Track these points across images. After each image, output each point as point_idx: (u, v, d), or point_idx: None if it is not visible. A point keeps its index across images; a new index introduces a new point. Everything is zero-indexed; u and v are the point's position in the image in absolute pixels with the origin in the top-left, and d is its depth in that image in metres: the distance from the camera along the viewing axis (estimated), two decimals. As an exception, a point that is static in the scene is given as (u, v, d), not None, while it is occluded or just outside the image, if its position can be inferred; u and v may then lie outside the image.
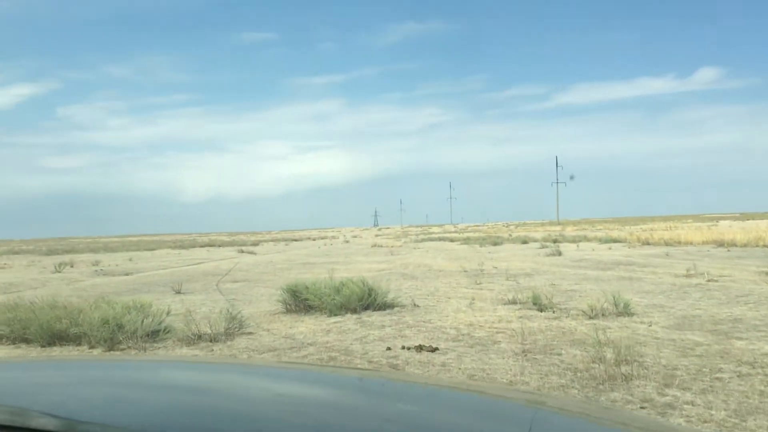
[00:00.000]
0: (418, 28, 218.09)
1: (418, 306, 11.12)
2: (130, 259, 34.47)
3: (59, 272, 23.92)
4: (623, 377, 5.98)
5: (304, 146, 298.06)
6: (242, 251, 42.70)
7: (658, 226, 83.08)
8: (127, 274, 23.65)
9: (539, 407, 1.71)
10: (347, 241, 63.57)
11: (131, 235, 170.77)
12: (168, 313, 9.65)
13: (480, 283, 15.37)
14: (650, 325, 9.10)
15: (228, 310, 9.22)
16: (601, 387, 5.78)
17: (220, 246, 57.88)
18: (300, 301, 10.99)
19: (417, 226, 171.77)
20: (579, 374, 6.32)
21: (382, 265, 24.48)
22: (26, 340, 8.56)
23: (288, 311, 11.10)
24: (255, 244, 60.76)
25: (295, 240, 75.94)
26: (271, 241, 75.42)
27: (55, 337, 8.41)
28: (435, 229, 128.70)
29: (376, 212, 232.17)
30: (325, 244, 57.90)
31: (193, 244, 61.98)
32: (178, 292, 15.11)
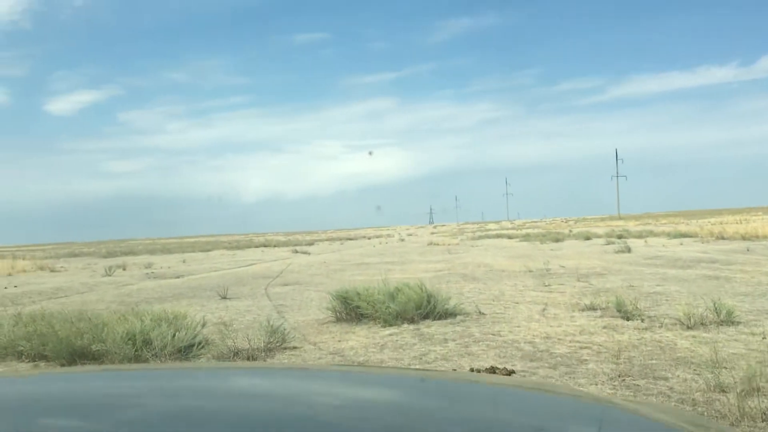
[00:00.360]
0: (472, 24, 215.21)
1: (483, 314, 9.83)
2: (184, 261, 34.09)
3: (109, 276, 23.46)
4: (764, 416, 4.60)
5: (358, 145, 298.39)
6: (296, 251, 42.02)
7: (727, 219, 79.26)
8: (177, 277, 23.01)
9: (610, 405, 1.70)
10: (402, 240, 62.39)
11: (190, 236, 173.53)
12: (203, 325, 8.63)
13: (549, 285, 13.96)
14: (764, 338, 7.62)
15: (269, 322, 8.12)
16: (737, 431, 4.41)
17: (275, 246, 57.51)
18: (351, 309, 9.85)
19: (473, 223, 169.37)
20: (699, 409, 4.97)
21: (439, 265, 23.20)
22: (45, 357, 7.66)
23: (338, 320, 9.98)
24: (310, 243, 60.20)
25: (350, 239, 75.19)
26: (326, 240, 74.88)
27: (76, 355, 7.47)
28: (492, 226, 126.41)
29: (431, 210, 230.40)
30: (380, 243, 56.88)
31: (249, 245, 61.83)
32: (224, 297, 14.18)
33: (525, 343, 7.55)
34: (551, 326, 8.58)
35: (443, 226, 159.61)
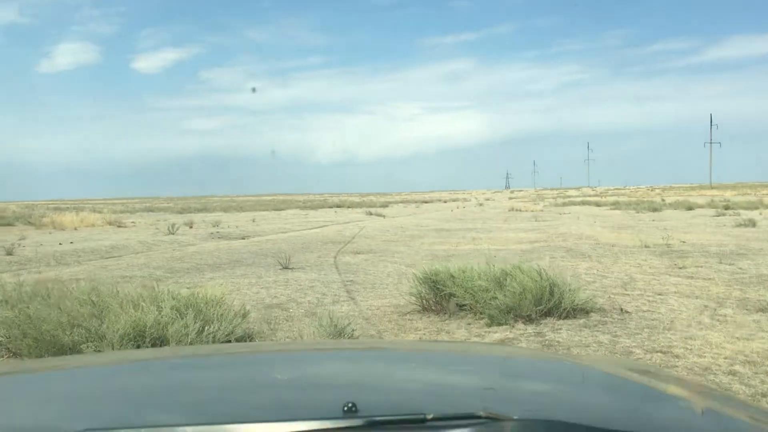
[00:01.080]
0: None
1: (627, 312, 7.15)
2: (253, 221, 32.37)
3: (172, 234, 21.76)
4: None
5: (435, 107, 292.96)
6: (370, 213, 39.79)
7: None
8: (242, 238, 21.11)
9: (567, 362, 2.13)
10: (481, 204, 59.39)
11: (267, 194, 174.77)
12: (244, 315, 6.32)
13: (684, 268, 11.07)
14: None
15: (331, 319, 5.71)
16: None
17: (348, 207, 55.58)
18: (442, 296, 7.36)
19: (551, 189, 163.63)
20: None
21: (530, 234, 20.41)
22: (19, 353, 5.52)
23: (424, 309, 7.52)
24: (384, 205, 57.97)
25: (426, 202, 72.57)
26: (401, 202, 72.52)
27: (60, 353, 5.29)
28: (572, 192, 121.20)
29: (507, 174, 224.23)
30: (457, 207, 54.10)
31: (323, 205, 60.18)
32: (286, 267, 11.95)
33: (724, 373, 4.87)
34: (741, 339, 5.84)
35: (520, 191, 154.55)
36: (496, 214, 38.05)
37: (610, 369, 1.83)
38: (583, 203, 52.88)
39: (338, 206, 56.80)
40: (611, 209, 41.65)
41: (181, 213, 49.10)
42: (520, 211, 41.88)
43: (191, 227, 26.39)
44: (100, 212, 52.36)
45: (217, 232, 23.46)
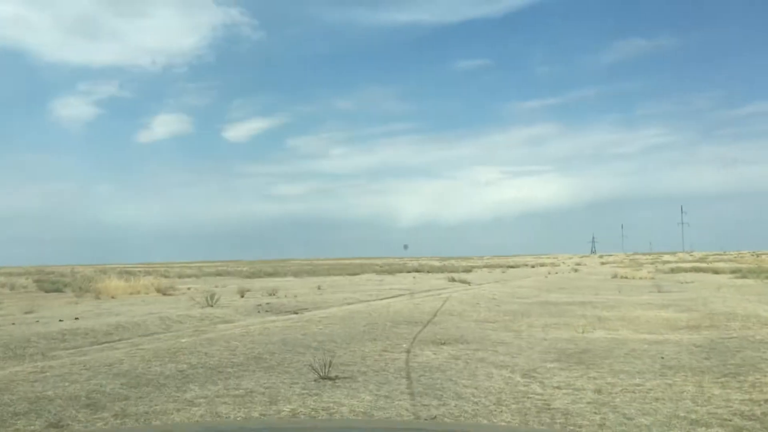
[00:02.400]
0: (646, 45, 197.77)
1: None
2: (319, 288, 27.85)
3: (211, 306, 17.44)
4: None
5: (517, 171, 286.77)
6: (453, 279, 34.65)
7: None
8: (295, 312, 16.60)
9: None
10: (575, 270, 53.13)
11: (346, 258, 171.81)
12: None
13: None
14: None
15: None
16: None
17: (428, 272, 50.54)
18: None
19: (643, 254, 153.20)
20: None
21: (673, 313, 14.97)
22: None
23: None
24: (467, 270, 52.63)
25: (511, 267, 66.59)
26: (484, 267, 66.82)
27: None
28: (667, 257, 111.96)
29: (593, 239, 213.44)
30: (549, 273, 48.21)
31: (401, 269, 55.32)
32: (325, 377, 7.17)
33: None
34: None
35: (610, 256, 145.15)
36: (599, 282, 32.24)
37: None
38: (695, 269, 45.96)
39: (417, 271, 51.88)
40: (736, 277, 35.01)
41: (249, 277, 45.45)
42: (627, 278, 35.83)
43: (243, 296, 22.11)
44: (165, 276, 49.40)
45: (268, 303, 18.98)
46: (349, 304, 19.51)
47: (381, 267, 71.67)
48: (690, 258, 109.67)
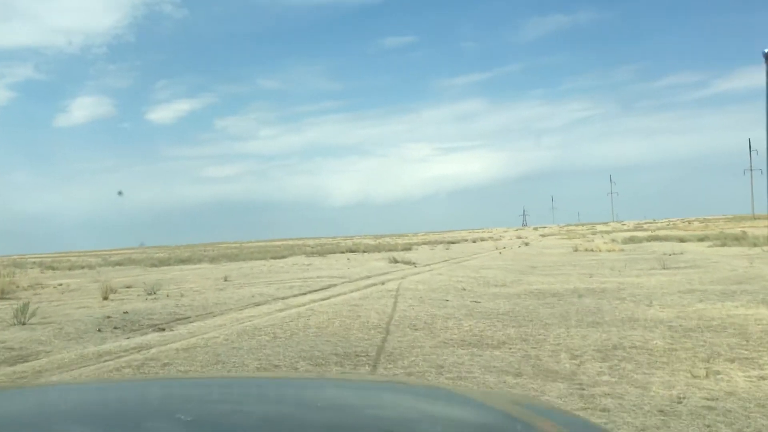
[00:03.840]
0: (566, 20, 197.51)
1: None
2: (225, 279, 21.16)
3: (21, 324, 10.68)
4: None
5: (447, 147, 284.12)
6: (395, 260, 28.45)
7: None
8: (161, 329, 10.17)
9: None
10: (527, 244, 47.89)
11: (279, 239, 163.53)
12: None
13: None
14: None
15: None
16: None
17: (364, 251, 44.31)
18: None
19: (576, 225, 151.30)
20: None
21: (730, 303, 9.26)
22: None
23: None
24: (407, 248, 46.63)
25: (453, 243, 60.96)
26: (424, 243, 61.02)
27: None
28: (600, 227, 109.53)
29: (524, 211, 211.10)
30: (497, 249, 42.84)
31: (334, 249, 48.75)
32: None
33: None
34: None
35: (544, 228, 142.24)
36: (571, 258, 26.81)
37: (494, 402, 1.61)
38: (655, 238, 41.36)
39: (351, 251, 45.57)
40: (715, 246, 30.27)
41: (156, 266, 38.25)
42: (593, 251, 30.62)
43: (106, 297, 15.31)
44: (53, 268, 41.53)
45: (126, 313, 12.29)
46: (255, 305, 13.10)
47: (312, 248, 64.99)
48: (625, 227, 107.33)
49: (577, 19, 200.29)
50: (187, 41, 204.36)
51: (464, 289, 13.96)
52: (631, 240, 40.71)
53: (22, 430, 1.32)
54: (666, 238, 39.80)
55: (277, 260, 38.49)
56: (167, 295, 15.56)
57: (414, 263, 26.88)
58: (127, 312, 12.14)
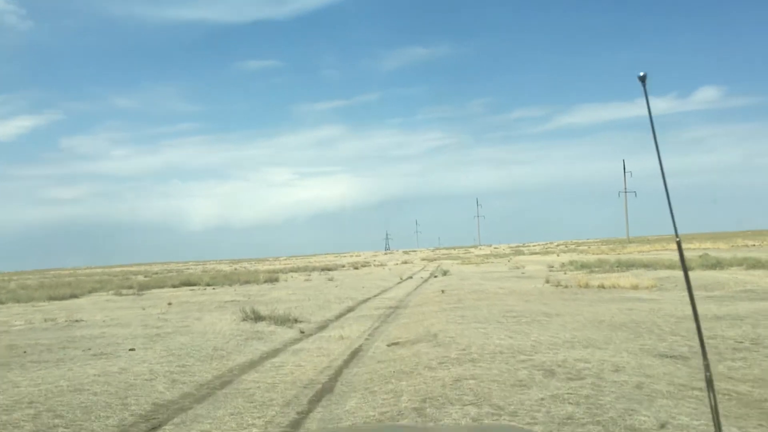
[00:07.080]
0: (424, 53, 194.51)
1: None
2: None
3: None
4: None
5: (308, 172, 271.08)
6: (253, 315, 14.32)
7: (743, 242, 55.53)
8: None
9: None
10: (444, 273, 34.74)
11: (132, 264, 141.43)
12: None
13: None
14: None
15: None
16: None
17: (207, 285, 29.38)
18: None
19: (447, 249, 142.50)
20: None
21: None
22: None
23: None
24: (272, 279, 32.11)
25: (329, 269, 46.93)
26: (291, 271, 46.49)
27: None
28: (476, 251, 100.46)
29: (387, 235, 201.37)
30: (401, 279, 29.77)
31: (164, 283, 33.01)
32: None
33: None
34: None
35: (415, 252, 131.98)
36: (526, 289, 14.09)
37: None
38: (642, 264, 29.98)
39: (190, 284, 30.34)
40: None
41: None
42: (605, 288, 18.13)
43: None
44: None
45: None
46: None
47: (145, 274, 48.61)
48: (493, 251, 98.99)
49: (435, 53, 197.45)
50: (32, 55, 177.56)
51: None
52: (583, 267, 29.01)
53: None
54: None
55: (84, 297, 22.91)
56: None
57: (294, 319, 12.91)
58: None
